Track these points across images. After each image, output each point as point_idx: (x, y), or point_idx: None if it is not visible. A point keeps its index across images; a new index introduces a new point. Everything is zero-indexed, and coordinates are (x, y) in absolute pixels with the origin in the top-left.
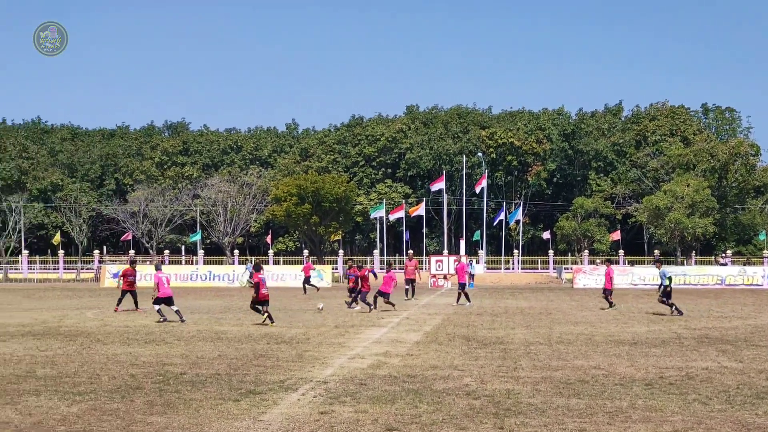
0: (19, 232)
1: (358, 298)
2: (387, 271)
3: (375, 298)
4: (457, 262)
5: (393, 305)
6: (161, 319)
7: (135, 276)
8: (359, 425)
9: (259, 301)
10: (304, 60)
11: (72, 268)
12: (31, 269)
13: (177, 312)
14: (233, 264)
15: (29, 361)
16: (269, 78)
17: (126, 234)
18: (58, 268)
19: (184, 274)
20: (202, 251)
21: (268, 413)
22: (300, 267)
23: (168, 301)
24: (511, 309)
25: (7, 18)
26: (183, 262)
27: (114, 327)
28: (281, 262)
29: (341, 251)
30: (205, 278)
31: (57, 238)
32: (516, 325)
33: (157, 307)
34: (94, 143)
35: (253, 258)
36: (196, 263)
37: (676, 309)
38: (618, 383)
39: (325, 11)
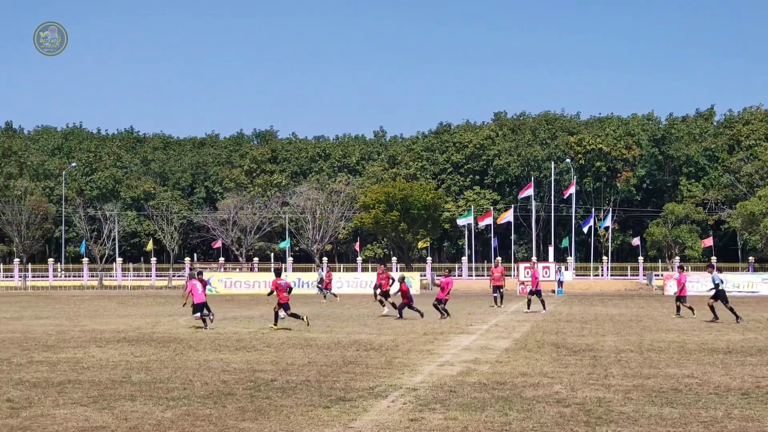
0: (114, 239)
1: (391, 305)
2: (445, 276)
3: (435, 305)
4: (529, 269)
5: (421, 314)
6: (203, 326)
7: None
8: None
9: (280, 305)
10: (392, 67)
11: (164, 276)
12: (125, 276)
13: (203, 318)
14: (322, 271)
15: (124, 367)
16: (357, 86)
17: (216, 241)
18: (151, 276)
19: (267, 282)
20: (291, 258)
21: (359, 420)
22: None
23: (202, 307)
24: (600, 316)
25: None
26: (272, 269)
27: (205, 334)
28: (370, 269)
29: (429, 258)
30: (295, 285)
31: (150, 246)
32: (606, 332)
33: (197, 314)
34: (184, 152)
35: (323, 263)
36: (285, 270)
37: (734, 313)
38: (712, 392)
39: (413, 20)
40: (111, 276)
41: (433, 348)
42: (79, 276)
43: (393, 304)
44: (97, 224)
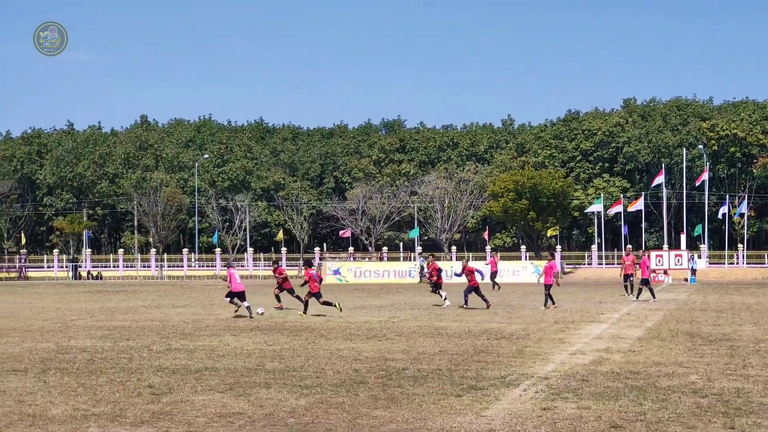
0: (245, 230)
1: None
2: (549, 261)
3: (546, 296)
4: (638, 258)
5: (487, 305)
6: (236, 310)
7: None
8: (582, 422)
9: (313, 294)
10: (519, 55)
11: (294, 265)
12: (255, 266)
13: (247, 308)
14: (451, 260)
15: (258, 355)
16: (484, 74)
17: (345, 231)
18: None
19: (402, 271)
20: (420, 248)
21: (491, 409)
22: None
23: (240, 296)
24: (736, 305)
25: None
26: (401, 258)
27: (336, 323)
28: (498, 258)
29: (558, 246)
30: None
31: (280, 236)
32: (743, 321)
33: (228, 299)
34: (313, 142)
35: (425, 253)
36: (415, 260)
37: None
38: None
39: (540, 8)
40: (242, 266)
41: (564, 337)
42: (212, 266)
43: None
44: (229, 215)
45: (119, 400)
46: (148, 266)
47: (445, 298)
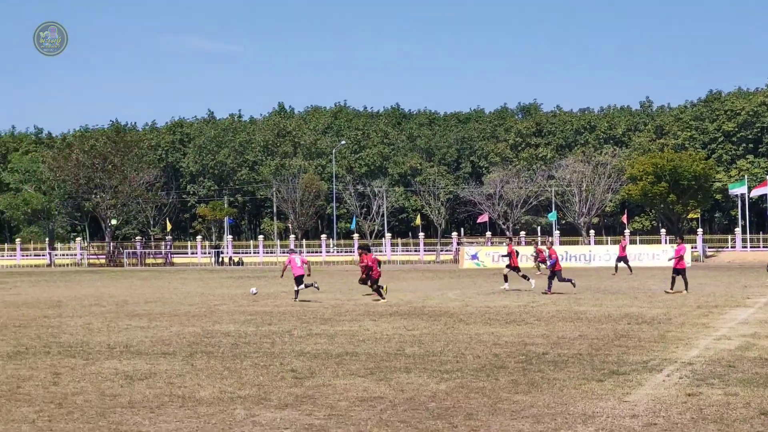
0: (382, 215)
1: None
2: (679, 244)
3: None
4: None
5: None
6: (297, 295)
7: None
8: (730, 408)
9: (374, 280)
10: (658, 35)
11: (431, 250)
12: (393, 251)
13: (308, 286)
14: (589, 245)
15: (398, 340)
16: (622, 55)
17: (482, 216)
18: (419, 250)
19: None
20: (558, 232)
21: (633, 394)
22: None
23: (298, 280)
24: None
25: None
26: (538, 243)
27: (475, 308)
28: (638, 242)
29: (700, 229)
30: (562, 259)
31: (417, 221)
32: None
33: (301, 286)
34: (449, 127)
35: (543, 237)
36: (552, 244)
37: None
38: None
39: None
40: (380, 251)
41: (708, 321)
42: (350, 251)
43: (524, 276)
44: (366, 200)
45: (263, 384)
46: (288, 252)
47: (529, 279)
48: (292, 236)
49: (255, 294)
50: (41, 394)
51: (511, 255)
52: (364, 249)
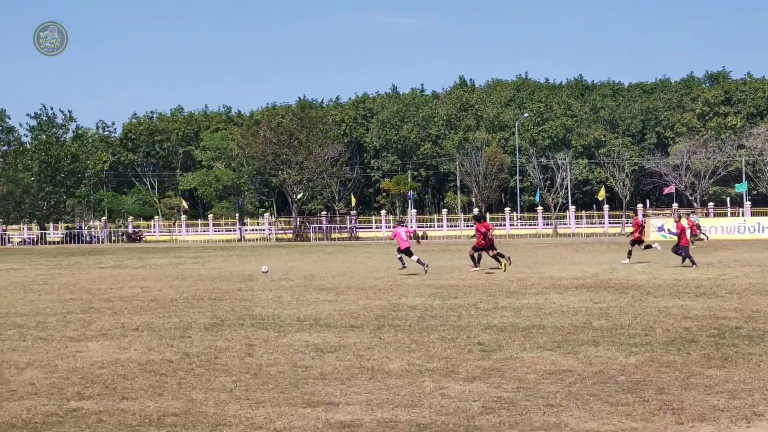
0: (566, 188)
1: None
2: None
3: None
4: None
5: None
6: (402, 267)
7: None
8: None
9: (477, 247)
10: None
11: (616, 223)
12: (578, 224)
13: (417, 261)
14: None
15: (585, 313)
16: None
17: (668, 187)
18: (603, 223)
19: (729, 227)
20: (749, 203)
21: None
22: None
23: (407, 252)
24: None
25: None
26: (728, 214)
27: (663, 280)
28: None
29: None
30: (753, 230)
31: (602, 193)
32: None
33: (398, 255)
34: (633, 98)
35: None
36: (743, 215)
37: None
38: None
39: None
40: (564, 224)
41: None
42: (534, 224)
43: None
44: (550, 173)
45: (451, 357)
46: (471, 226)
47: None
48: (475, 209)
49: (266, 273)
50: (237, 364)
51: (637, 228)
52: (477, 219)
